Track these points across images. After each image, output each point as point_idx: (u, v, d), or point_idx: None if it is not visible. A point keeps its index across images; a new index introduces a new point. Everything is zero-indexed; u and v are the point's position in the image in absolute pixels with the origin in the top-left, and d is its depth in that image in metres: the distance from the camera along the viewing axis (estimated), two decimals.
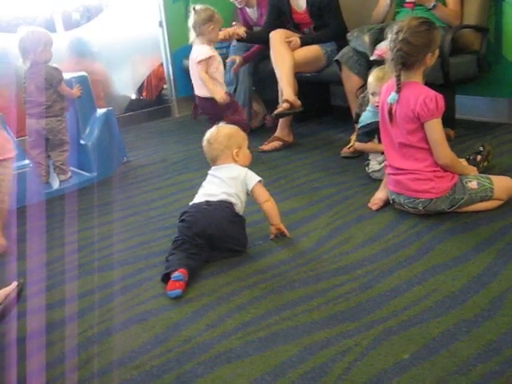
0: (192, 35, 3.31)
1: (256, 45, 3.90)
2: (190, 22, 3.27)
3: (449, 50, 3.06)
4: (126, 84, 4.88)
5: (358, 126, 2.90)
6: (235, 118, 3.27)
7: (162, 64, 4.97)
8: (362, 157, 3.11)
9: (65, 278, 2.13)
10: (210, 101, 3.28)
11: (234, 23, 3.82)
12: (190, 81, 3.43)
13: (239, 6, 4.14)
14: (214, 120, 3.10)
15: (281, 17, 3.80)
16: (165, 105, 5.06)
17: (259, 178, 2.25)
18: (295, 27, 3.81)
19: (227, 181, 2.22)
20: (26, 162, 2.98)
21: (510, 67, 3.51)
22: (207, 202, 2.17)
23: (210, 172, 2.31)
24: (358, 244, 2.18)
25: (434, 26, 2.23)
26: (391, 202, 2.44)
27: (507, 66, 3.51)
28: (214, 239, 2.13)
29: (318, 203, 2.64)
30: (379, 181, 2.63)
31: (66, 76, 3.22)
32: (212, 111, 3.35)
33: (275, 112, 3.46)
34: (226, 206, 2.16)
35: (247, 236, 2.24)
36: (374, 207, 2.49)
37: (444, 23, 3.24)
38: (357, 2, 3.86)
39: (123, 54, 4.74)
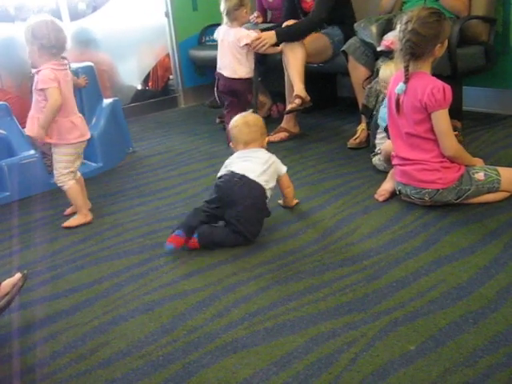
0: (225, 19, 3.41)
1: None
2: (222, 8, 3.37)
3: (456, 41, 3.04)
4: (132, 74, 4.87)
5: (383, 125, 2.74)
6: (247, 101, 3.46)
7: (168, 54, 4.96)
8: (368, 148, 3.10)
9: (71, 268, 2.14)
10: (236, 81, 3.40)
11: (255, 14, 3.86)
12: (196, 71, 3.43)
13: None
14: (231, 106, 3.17)
15: (295, 7, 3.78)
16: (171, 95, 5.05)
17: (286, 167, 2.36)
18: (305, 16, 3.78)
19: (265, 163, 2.26)
20: (32, 152, 2.99)
21: None
22: (242, 176, 2.18)
23: (239, 154, 2.32)
24: (364, 235, 2.18)
25: (443, 17, 2.21)
26: (398, 193, 2.44)
27: None
28: (234, 213, 2.14)
29: (325, 194, 2.63)
30: (385, 172, 2.62)
31: (72, 66, 3.20)
32: (235, 90, 3.44)
33: (288, 109, 3.48)
34: (262, 193, 2.19)
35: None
36: (381, 198, 2.48)
37: (452, 14, 3.22)
38: None
39: (129, 44, 4.73)
